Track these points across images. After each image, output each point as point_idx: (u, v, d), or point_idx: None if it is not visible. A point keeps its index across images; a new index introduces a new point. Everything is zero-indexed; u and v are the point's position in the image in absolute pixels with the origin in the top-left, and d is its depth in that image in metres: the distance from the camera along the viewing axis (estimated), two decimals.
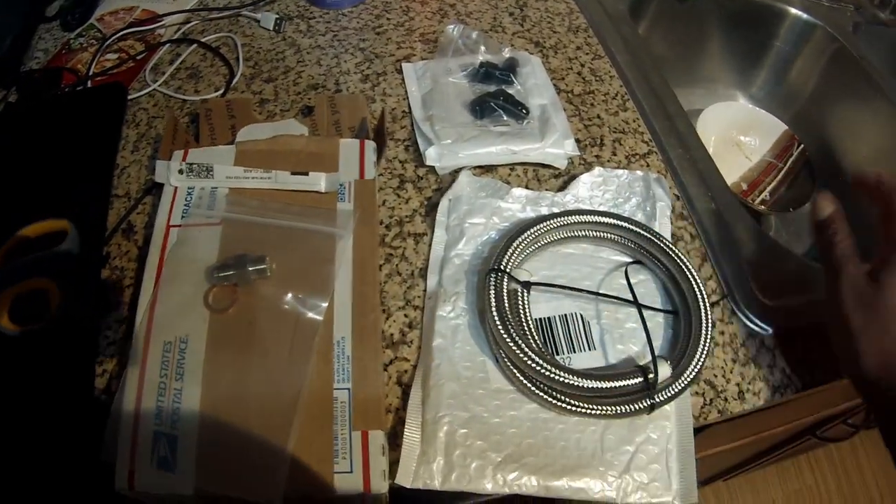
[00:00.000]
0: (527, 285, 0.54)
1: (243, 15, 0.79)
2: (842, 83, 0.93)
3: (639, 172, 0.65)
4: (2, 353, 0.51)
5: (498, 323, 0.51)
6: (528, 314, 0.53)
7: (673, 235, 0.63)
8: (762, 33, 0.99)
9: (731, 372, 0.56)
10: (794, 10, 0.95)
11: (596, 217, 0.59)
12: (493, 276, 0.53)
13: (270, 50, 0.75)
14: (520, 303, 0.54)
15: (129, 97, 0.71)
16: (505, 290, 0.53)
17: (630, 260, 0.60)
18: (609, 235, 0.59)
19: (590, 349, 0.55)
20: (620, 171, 0.65)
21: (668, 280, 0.58)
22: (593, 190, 0.64)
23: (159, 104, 0.70)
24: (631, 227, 0.58)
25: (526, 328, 0.52)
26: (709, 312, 0.54)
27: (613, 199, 0.63)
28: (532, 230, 0.56)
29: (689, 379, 0.51)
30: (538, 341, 0.52)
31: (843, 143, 0.95)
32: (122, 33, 0.77)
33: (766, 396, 0.55)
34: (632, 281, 0.58)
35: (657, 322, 0.57)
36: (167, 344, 0.50)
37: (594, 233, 0.59)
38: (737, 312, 0.59)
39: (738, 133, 0.98)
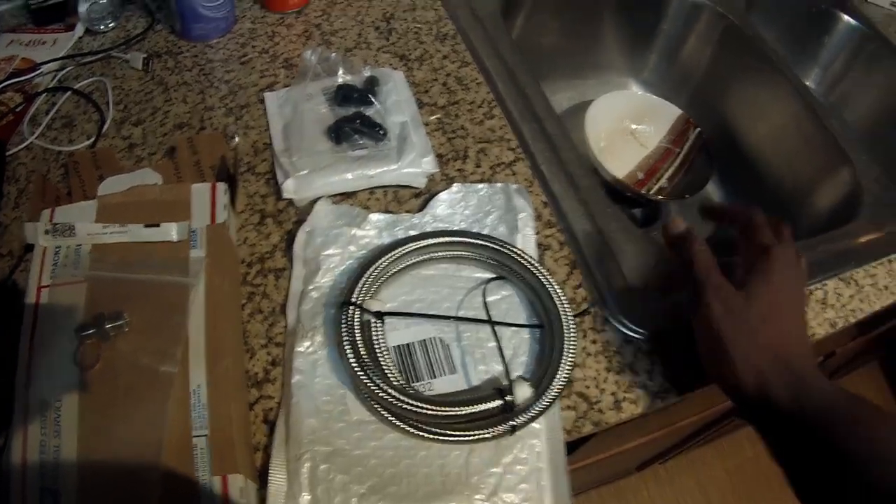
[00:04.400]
0: (380, 315, 0.55)
1: (114, 56, 0.79)
2: (735, 62, 0.94)
3: (498, 185, 0.66)
4: None
5: (351, 357, 0.52)
6: (383, 345, 0.54)
7: (540, 245, 0.64)
8: (650, 16, 0.99)
9: (605, 381, 0.57)
10: None
11: (449, 237, 0.60)
12: (345, 309, 0.54)
13: (140, 91, 0.76)
14: (374, 334, 0.55)
15: (8, 152, 0.71)
16: (358, 323, 0.54)
17: (492, 276, 0.61)
18: (467, 254, 0.60)
19: (451, 373, 0.56)
20: (480, 186, 0.66)
21: (532, 294, 0.59)
22: (453, 207, 0.65)
23: (37, 157, 0.71)
24: (487, 243, 0.59)
25: (382, 359, 0.53)
26: (570, 325, 0.55)
27: (474, 215, 0.64)
28: (383, 259, 0.57)
29: (551, 397, 0.52)
30: (396, 370, 0.54)
31: (741, 123, 0.95)
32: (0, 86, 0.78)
33: (645, 404, 0.56)
34: (497, 297, 0.59)
35: (523, 338, 0.58)
36: (44, 403, 0.51)
37: (451, 252, 0.60)
38: (610, 320, 0.60)
39: (631, 122, 0.98)
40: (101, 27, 0.82)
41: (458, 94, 0.75)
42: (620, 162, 0.94)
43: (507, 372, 0.54)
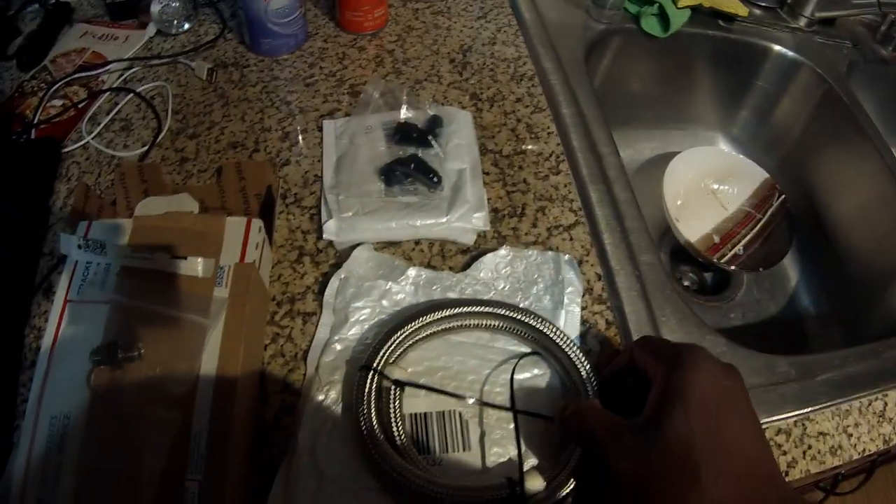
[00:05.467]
0: (399, 384, 0.52)
1: (181, 62, 0.78)
2: (829, 129, 0.87)
3: (549, 253, 0.61)
4: None
5: (364, 426, 0.49)
6: (398, 413, 0.51)
7: (585, 322, 0.59)
8: (745, 69, 0.92)
9: None
10: (777, 48, 0.88)
11: (485, 308, 0.56)
12: (364, 374, 0.51)
13: (200, 102, 0.74)
14: (391, 403, 0.51)
15: (65, 149, 0.71)
16: (376, 389, 0.51)
17: (528, 351, 0.57)
18: (503, 326, 0.56)
19: (464, 450, 0.52)
20: (529, 252, 0.62)
21: (566, 376, 0.55)
22: (497, 271, 0.61)
23: (91, 158, 0.70)
24: (523, 318, 0.55)
25: (396, 430, 0.50)
26: None
27: (518, 283, 0.60)
28: (412, 324, 0.54)
29: (562, 496, 0.48)
30: (408, 441, 0.50)
31: (827, 195, 0.88)
32: (67, 79, 0.78)
33: None
34: (527, 374, 0.55)
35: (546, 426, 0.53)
36: (53, 418, 0.50)
37: (486, 322, 0.56)
38: None
39: (714, 180, 0.91)
40: (173, 30, 0.81)
41: (525, 143, 0.71)
42: (697, 222, 0.87)
43: (521, 464, 0.50)
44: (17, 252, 0.64)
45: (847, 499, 0.87)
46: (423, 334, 0.55)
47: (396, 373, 0.52)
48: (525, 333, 0.56)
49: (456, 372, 0.55)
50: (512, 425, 0.53)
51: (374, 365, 0.52)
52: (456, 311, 0.55)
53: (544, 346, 0.55)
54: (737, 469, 0.37)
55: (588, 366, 0.53)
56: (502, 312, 0.55)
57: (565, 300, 0.59)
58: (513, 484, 0.47)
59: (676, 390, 0.40)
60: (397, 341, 0.53)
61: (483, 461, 0.52)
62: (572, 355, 0.53)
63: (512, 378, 0.55)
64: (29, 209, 0.67)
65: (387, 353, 0.53)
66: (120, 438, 0.50)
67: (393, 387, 0.52)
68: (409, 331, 0.54)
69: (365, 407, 0.50)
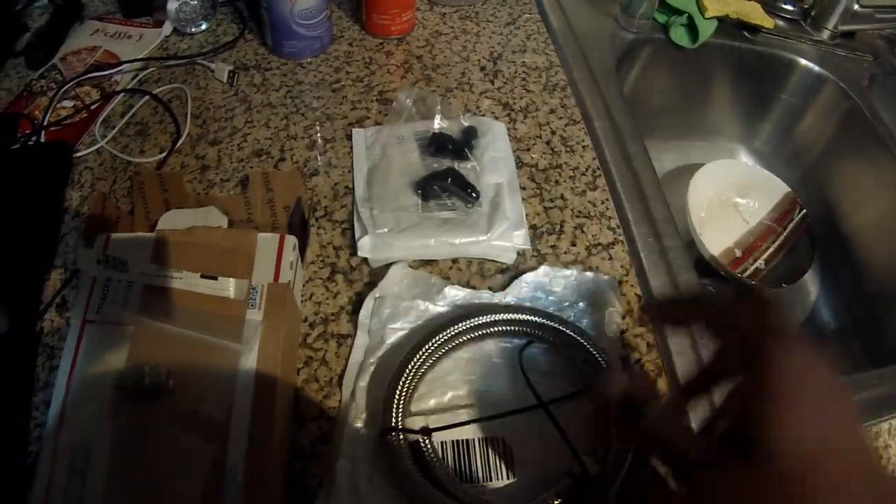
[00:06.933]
0: (426, 432, 0.50)
1: (199, 63, 0.75)
2: (852, 144, 0.86)
3: (588, 274, 0.59)
4: None
5: (405, 480, 0.47)
6: (435, 458, 0.49)
7: (627, 345, 0.57)
8: (769, 83, 0.91)
9: None
10: (802, 61, 0.87)
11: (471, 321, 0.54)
12: (387, 439, 0.49)
13: (221, 106, 0.71)
14: (424, 452, 0.49)
15: (77, 154, 0.67)
16: (406, 446, 0.49)
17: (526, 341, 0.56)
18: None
19: (507, 463, 0.51)
20: (568, 272, 0.60)
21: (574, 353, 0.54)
22: (537, 291, 0.59)
23: (105, 164, 0.67)
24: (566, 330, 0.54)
25: (439, 473, 0.48)
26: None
27: (559, 303, 0.58)
28: (410, 367, 0.52)
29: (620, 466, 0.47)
30: (452, 475, 0.48)
31: (849, 211, 0.88)
32: (78, 80, 0.74)
33: None
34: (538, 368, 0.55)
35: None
36: (74, 448, 0.48)
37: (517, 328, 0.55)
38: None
39: (736, 194, 0.91)
40: (191, 29, 0.78)
41: (561, 157, 0.69)
42: (719, 235, 0.87)
43: (574, 452, 0.48)
44: (26, 262, 0.61)
45: None
46: (425, 368, 0.53)
47: (419, 422, 0.51)
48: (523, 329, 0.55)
49: (472, 391, 0.54)
50: (538, 429, 0.51)
51: (393, 425, 0.49)
52: (444, 335, 0.53)
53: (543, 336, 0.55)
54: (856, 485, 0.31)
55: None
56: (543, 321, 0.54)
57: (606, 320, 0.57)
58: (573, 474, 0.47)
59: (777, 390, 0.32)
60: (404, 390, 0.51)
61: (529, 468, 0.50)
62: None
63: (524, 371, 0.53)
64: (38, 216, 0.63)
65: (400, 406, 0.50)
66: (148, 472, 0.47)
67: (420, 437, 0.50)
68: (410, 376, 0.52)
69: (398, 474, 0.48)
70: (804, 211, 0.89)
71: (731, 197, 0.90)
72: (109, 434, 0.48)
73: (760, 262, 0.86)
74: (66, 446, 0.48)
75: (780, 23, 0.92)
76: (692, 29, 0.86)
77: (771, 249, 0.88)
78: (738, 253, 0.87)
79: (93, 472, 0.47)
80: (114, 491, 0.46)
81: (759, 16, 0.89)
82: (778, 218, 0.90)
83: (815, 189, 0.92)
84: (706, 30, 0.85)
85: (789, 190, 0.90)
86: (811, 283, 0.91)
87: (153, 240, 0.56)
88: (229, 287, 0.53)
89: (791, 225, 0.89)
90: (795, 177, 0.94)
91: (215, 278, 0.54)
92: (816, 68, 0.88)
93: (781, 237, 0.89)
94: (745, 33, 0.90)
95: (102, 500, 0.46)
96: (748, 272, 0.85)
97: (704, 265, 0.85)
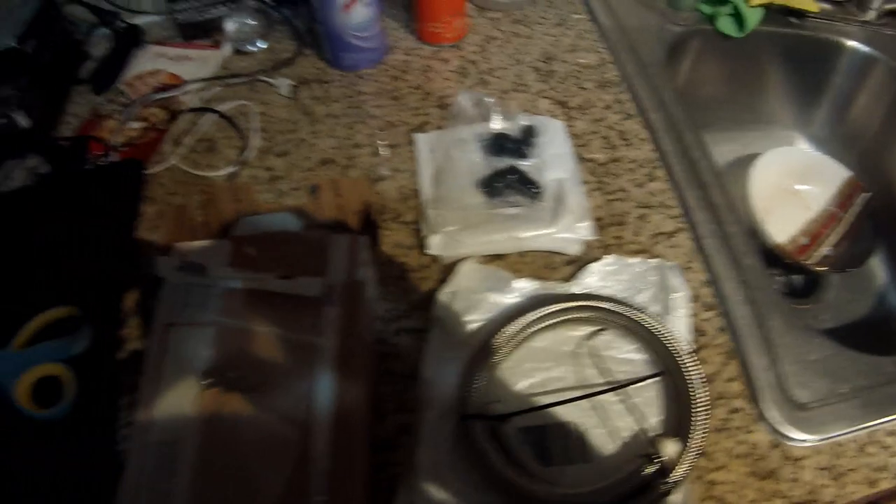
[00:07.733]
0: (501, 418, 0.51)
1: (261, 80, 0.77)
2: None
3: (653, 261, 0.60)
4: (23, 437, 0.53)
5: (484, 473, 0.49)
6: (515, 445, 0.50)
7: (696, 330, 0.58)
8: (820, 68, 0.91)
9: (747, 487, 0.50)
10: (850, 43, 0.87)
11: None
12: (463, 425, 0.51)
13: (285, 119, 0.73)
14: (502, 438, 0.50)
15: (149, 171, 0.70)
16: (482, 432, 0.50)
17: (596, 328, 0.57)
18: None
19: (585, 449, 0.52)
20: (633, 260, 0.61)
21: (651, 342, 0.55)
22: (604, 280, 0.60)
23: (177, 179, 0.69)
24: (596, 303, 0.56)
25: (517, 454, 0.50)
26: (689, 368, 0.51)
27: (626, 291, 0.59)
28: (492, 349, 0.53)
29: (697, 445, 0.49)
30: (530, 459, 0.50)
31: None
32: (146, 100, 0.78)
33: None
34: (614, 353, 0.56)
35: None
36: (162, 444, 0.50)
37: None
38: (765, 418, 0.53)
39: (796, 181, 0.90)
40: (249, 47, 0.80)
41: (619, 151, 0.70)
42: (783, 224, 0.86)
43: (649, 431, 0.50)
44: (108, 275, 0.63)
45: None
46: (500, 357, 0.54)
47: (497, 407, 0.52)
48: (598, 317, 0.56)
49: (546, 378, 0.55)
50: (621, 405, 0.53)
51: (472, 413, 0.51)
52: (522, 322, 0.54)
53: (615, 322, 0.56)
54: None
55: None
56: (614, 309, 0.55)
57: (672, 305, 0.58)
58: (651, 458, 0.48)
59: None
60: (481, 379, 0.53)
61: (604, 452, 0.51)
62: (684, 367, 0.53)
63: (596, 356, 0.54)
64: (116, 232, 0.66)
65: (477, 394, 0.52)
66: (235, 463, 0.49)
67: (498, 423, 0.51)
68: (486, 366, 0.53)
69: (476, 460, 0.49)
70: (868, 194, 0.88)
71: (791, 185, 0.90)
72: (195, 430, 0.50)
73: (828, 249, 0.86)
74: (154, 443, 0.50)
75: (826, 6, 0.92)
76: (738, 18, 0.86)
77: (836, 235, 0.87)
78: (805, 240, 0.86)
79: (180, 466, 0.48)
80: (200, 484, 0.48)
81: (803, 0, 0.88)
82: (841, 203, 0.89)
83: (874, 171, 0.91)
84: (752, 18, 0.85)
85: (851, 174, 0.90)
86: (877, 266, 0.90)
87: (230, 245, 0.59)
88: (307, 286, 0.55)
89: (853, 209, 0.88)
90: (854, 160, 0.93)
91: (292, 278, 0.55)
92: (865, 48, 0.88)
93: (845, 222, 0.88)
94: (792, 19, 0.90)
95: (189, 494, 0.47)
96: (816, 259, 0.85)
97: (770, 255, 0.85)
